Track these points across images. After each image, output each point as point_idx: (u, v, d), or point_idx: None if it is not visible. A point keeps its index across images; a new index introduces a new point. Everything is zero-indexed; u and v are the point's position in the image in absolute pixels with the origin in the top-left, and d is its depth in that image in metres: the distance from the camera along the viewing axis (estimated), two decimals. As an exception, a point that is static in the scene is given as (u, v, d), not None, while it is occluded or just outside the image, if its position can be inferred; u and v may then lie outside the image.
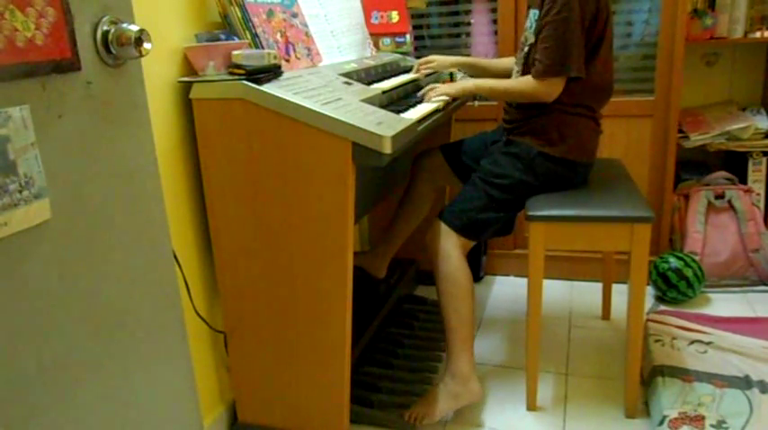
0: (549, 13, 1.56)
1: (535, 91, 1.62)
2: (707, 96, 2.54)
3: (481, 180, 1.72)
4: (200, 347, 1.56)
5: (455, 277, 1.66)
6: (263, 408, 1.60)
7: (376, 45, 2.26)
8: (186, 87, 1.41)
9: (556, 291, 2.48)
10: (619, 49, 2.40)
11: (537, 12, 1.64)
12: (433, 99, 1.72)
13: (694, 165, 2.56)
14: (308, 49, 1.72)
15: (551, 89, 1.60)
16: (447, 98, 1.73)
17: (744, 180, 2.43)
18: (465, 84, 1.76)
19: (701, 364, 1.79)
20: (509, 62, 2.02)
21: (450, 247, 1.67)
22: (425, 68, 2.05)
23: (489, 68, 2.07)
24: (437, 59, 2.06)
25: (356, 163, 1.31)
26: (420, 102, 1.71)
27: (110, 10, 0.86)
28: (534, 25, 1.65)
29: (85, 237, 0.84)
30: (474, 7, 2.53)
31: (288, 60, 1.60)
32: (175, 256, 1.11)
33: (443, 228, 1.69)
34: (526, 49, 1.70)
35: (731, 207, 2.39)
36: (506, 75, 1.92)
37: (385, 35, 2.30)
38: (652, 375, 1.76)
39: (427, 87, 1.78)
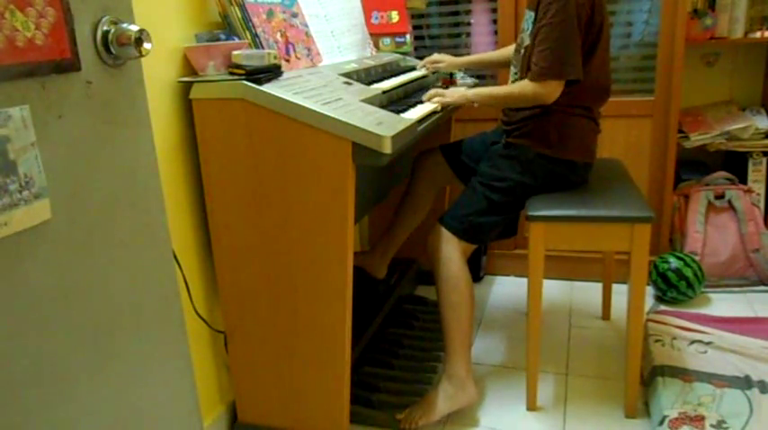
0: (546, 16, 1.56)
1: (534, 94, 1.60)
2: (707, 96, 2.54)
3: (481, 184, 1.73)
4: (200, 347, 1.56)
5: (455, 283, 1.67)
6: (263, 408, 1.60)
7: (376, 45, 2.26)
8: (186, 87, 1.41)
9: (556, 291, 2.48)
10: (619, 49, 2.40)
11: (533, 14, 1.64)
12: (433, 101, 1.71)
13: (694, 165, 2.56)
14: (308, 49, 1.72)
15: (550, 90, 1.59)
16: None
17: (744, 180, 2.43)
18: (465, 92, 1.75)
19: (700, 364, 1.79)
20: (508, 50, 2.03)
21: (451, 252, 1.68)
22: (432, 67, 2.07)
23: (495, 60, 2.08)
24: (444, 60, 2.06)
25: (356, 163, 1.31)
26: (420, 102, 1.71)
27: (110, 10, 0.86)
28: (531, 28, 1.65)
29: (85, 237, 0.84)
30: (474, 7, 2.53)
31: (288, 60, 1.60)
32: (175, 256, 1.11)
33: (444, 232, 1.70)
34: (523, 50, 1.70)
35: (731, 207, 2.39)
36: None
37: (385, 35, 2.30)
38: (652, 375, 1.76)
39: (431, 92, 1.76)
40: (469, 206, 1.71)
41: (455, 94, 1.74)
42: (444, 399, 1.67)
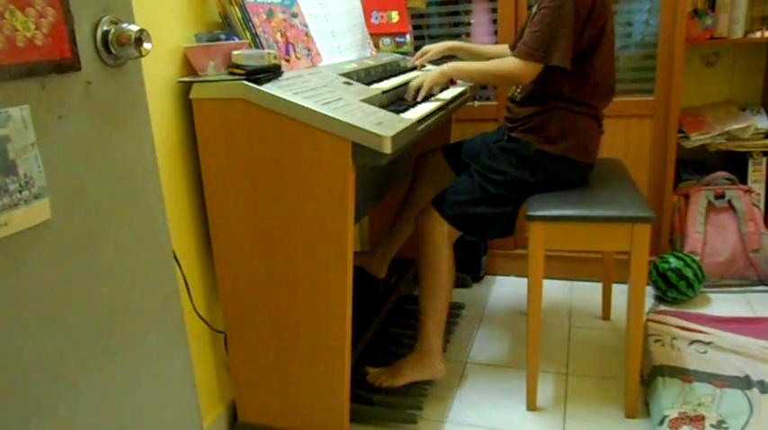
0: (544, 1, 1.58)
1: (514, 71, 1.62)
2: (707, 96, 2.54)
3: (478, 173, 1.74)
4: (200, 347, 1.56)
5: (438, 265, 1.72)
6: (263, 408, 1.60)
7: (376, 45, 2.26)
8: (186, 87, 1.41)
9: (556, 291, 2.48)
10: (619, 49, 2.40)
11: (535, 8, 1.65)
12: (433, 99, 1.71)
13: (694, 165, 2.56)
14: (308, 49, 1.72)
15: (528, 71, 1.60)
16: (439, 101, 1.71)
17: (744, 180, 2.43)
18: (441, 67, 1.73)
19: (700, 364, 1.79)
20: (502, 48, 2.02)
21: (438, 235, 1.71)
22: (422, 61, 2.07)
23: (483, 54, 2.07)
24: (431, 48, 2.05)
25: (356, 163, 1.31)
26: (420, 102, 1.71)
27: (110, 10, 0.86)
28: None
29: (85, 237, 0.84)
30: (474, 7, 2.53)
31: (288, 60, 1.60)
32: (175, 256, 1.11)
33: (435, 215, 1.72)
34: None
35: (731, 207, 2.39)
36: None
37: (385, 35, 2.30)
38: (652, 375, 1.76)
39: (409, 91, 1.73)
40: (465, 193, 1.72)
41: (430, 74, 1.72)
42: (411, 369, 1.76)
